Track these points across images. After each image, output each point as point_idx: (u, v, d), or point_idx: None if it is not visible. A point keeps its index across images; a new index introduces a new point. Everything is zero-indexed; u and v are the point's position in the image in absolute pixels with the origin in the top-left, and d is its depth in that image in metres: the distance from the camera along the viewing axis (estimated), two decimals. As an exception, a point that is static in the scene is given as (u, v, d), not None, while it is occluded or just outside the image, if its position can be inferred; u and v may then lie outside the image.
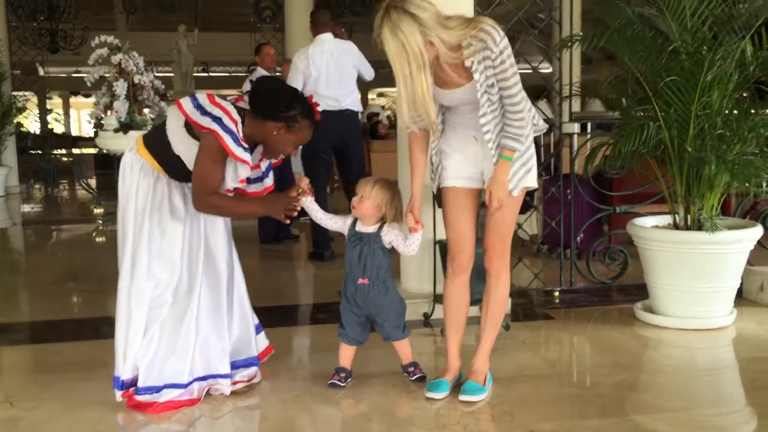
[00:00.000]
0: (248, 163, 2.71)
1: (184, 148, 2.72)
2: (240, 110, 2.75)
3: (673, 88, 3.45)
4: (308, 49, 5.49)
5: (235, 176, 2.76)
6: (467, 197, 2.81)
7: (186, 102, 2.72)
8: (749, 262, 3.84)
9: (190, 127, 2.70)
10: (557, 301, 4.30)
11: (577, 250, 4.58)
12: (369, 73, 5.62)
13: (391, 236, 2.84)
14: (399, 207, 2.86)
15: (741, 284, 3.81)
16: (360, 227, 2.88)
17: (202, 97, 2.74)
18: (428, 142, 2.84)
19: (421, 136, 2.83)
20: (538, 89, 4.89)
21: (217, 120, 2.64)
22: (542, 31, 4.18)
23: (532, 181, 2.78)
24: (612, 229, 5.08)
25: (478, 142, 2.73)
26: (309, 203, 2.89)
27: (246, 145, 2.70)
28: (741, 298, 4.03)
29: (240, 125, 2.69)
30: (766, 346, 3.48)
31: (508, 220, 2.80)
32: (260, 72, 6.29)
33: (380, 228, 2.85)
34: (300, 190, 2.81)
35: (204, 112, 2.67)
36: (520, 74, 2.62)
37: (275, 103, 2.71)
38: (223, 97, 2.82)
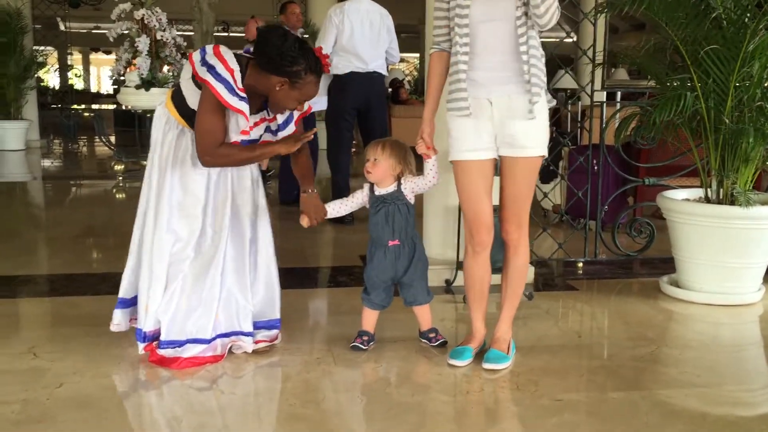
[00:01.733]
0: (244, 113, 2.61)
1: (194, 99, 2.66)
2: (242, 59, 2.65)
3: (713, 57, 3.35)
4: (345, 4, 5.38)
5: (236, 128, 2.67)
6: (481, 169, 2.71)
7: (195, 54, 2.67)
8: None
9: (195, 79, 2.64)
10: (580, 272, 4.25)
11: (602, 222, 4.51)
12: (396, 55, 5.52)
13: (410, 186, 2.82)
14: (412, 161, 2.84)
15: None
16: (379, 191, 2.85)
17: (209, 47, 2.67)
18: (448, 66, 2.73)
19: (443, 59, 2.75)
20: (564, 60, 4.78)
21: (212, 69, 2.56)
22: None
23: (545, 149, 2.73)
24: (637, 202, 5.00)
25: (493, 106, 2.63)
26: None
27: (243, 95, 2.59)
28: (768, 275, 3.97)
29: (237, 74, 2.59)
30: (796, 325, 3.43)
31: (525, 190, 2.72)
32: (284, 31, 6.21)
33: (398, 185, 2.82)
34: (311, 192, 2.83)
35: (203, 62, 2.60)
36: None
37: (279, 56, 2.56)
38: (246, 50, 2.75)
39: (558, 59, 4.07)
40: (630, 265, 4.37)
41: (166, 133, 2.78)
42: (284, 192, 6.12)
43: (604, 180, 4.48)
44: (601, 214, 4.36)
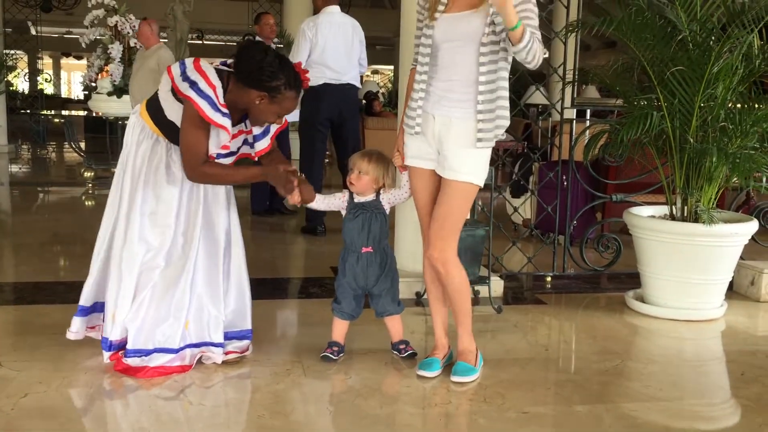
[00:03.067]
0: (226, 129, 2.64)
1: (174, 113, 2.68)
2: (223, 74, 2.68)
3: (679, 78, 3.44)
4: (318, 17, 5.43)
5: (217, 141, 2.69)
6: (427, 178, 2.75)
7: (175, 67, 2.68)
8: (741, 257, 3.86)
9: (175, 92, 2.65)
10: (549, 286, 4.31)
11: (570, 237, 4.58)
12: (364, 64, 5.61)
13: (387, 197, 2.87)
14: (393, 174, 2.88)
15: (732, 278, 3.83)
16: (358, 198, 2.89)
17: (189, 61, 2.68)
18: None
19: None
20: (535, 77, 4.86)
21: (194, 85, 2.58)
22: (543, 18, 4.11)
23: (485, 169, 2.70)
24: (605, 217, 5.08)
25: (435, 122, 2.66)
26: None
27: (225, 111, 2.62)
28: (732, 291, 4.06)
29: (219, 90, 2.62)
30: (754, 340, 3.52)
31: (452, 213, 2.69)
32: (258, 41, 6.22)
33: (377, 195, 2.87)
34: (301, 176, 2.78)
35: (185, 77, 2.62)
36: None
37: (258, 71, 2.60)
38: (224, 62, 2.77)
39: (529, 75, 4.13)
40: (598, 279, 4.45)
41: (140, 142, 2.78)
42: (256, 202, 6.12)
43: (573, 195, 4.55)
44: (570, 229, 4.43)
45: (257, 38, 6.24)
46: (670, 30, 3.51)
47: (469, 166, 2.65)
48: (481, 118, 2.60)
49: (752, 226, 3.66)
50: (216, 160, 2.72)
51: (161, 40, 6.86)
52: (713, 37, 3.48)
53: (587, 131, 4.23)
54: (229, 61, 2.78)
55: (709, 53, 3.37)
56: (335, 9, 5.44)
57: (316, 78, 5.32)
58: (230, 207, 2.91)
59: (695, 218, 3.65)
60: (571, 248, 4.39)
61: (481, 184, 2.72)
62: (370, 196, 2.88)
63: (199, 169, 2.64)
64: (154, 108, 2.75)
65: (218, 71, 2.67)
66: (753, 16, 3.45)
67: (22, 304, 3.70)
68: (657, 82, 3.54)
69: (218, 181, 2.75)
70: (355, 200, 2.89)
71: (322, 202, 2.93)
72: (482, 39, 2.56)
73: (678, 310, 3.64)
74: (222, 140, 2.69)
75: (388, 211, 2.90)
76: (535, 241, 5.10)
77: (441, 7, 2.64)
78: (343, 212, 2.91)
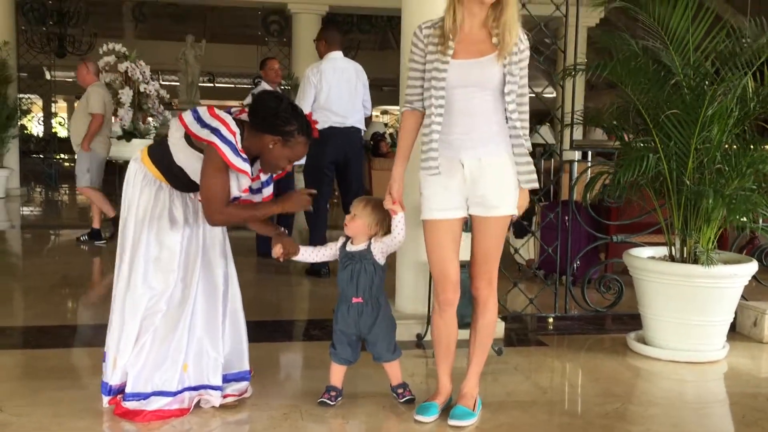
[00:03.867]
0: (248, 174, 2.73)
1: (185, 159, 2.75)
2: (240, 122, 2.78)
3: (674, 120, 3.48)
4: (321, 63, 5.55)
5: (237, 186, 2.78)
6: (449, 229, 2.78)
7: (187, 114, 2.76)
8: (744, 297, 3.86)
9: (190, 139, 2.73)
10: (551, 327, 4.30)
11: (573, 277, 4.59)
12: (369, 106, 5.69)
13: (379, 246, 2.88)
14: (388, 226, 2.90)
15: (735, 319, 3.82)
16: (350, 247, 2.92)
17: (202, 109, 2.77)
18: (420, 125, 2.81)
19: (416, 117, 2.83)
20: (541, 114, 4.92)
21: (216, 131, 2.67)
22: (547, 57, 4.21)
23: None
24: (609, 258, 5.09)
25: (465, 167, 2.72)
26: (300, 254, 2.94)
27: (245, 156, 2.71)
28: (734, 332, 4.05)
29: (239, 136, 2.71)
30: (757, 382, 3.49)
31: (496, 248, 2.79)
32: (264, 86, 6.33)
33: (369, 245, 2.89)
34: (282, 231, 2.85)
35: (203, 124, 2.70)
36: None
37: (273, 117, 2.72)
38: (227, 110, 2.85)
39: (535, 115, 4.20)
40: (600, 320, 4.44)
41: (143, 188, 2.84)
42: (263, 244, 6.16)
43: (576, 236, 4.58)
44: (571, 269, 4.43)
45: (263, 83, 6.37)
46: (663, 74, 3.56)
47: (507, 198, 2.74)
48: (518, 161, 2.72)
49: (751, 267, 3.66)
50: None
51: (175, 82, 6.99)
52: (707, 81, 3.53)
53: (588, 172, 4.26)
54: (233, 109, 2.87)
55: (703, 96, 3.42)
56: (338, 54, 5.56)
57: (321, 122, 5.40)
58: (227, 250, 2.96)
59: (695, 259, 3.66)
60: (573, 289, 4.39)
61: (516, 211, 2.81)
62: (362, 245, 2.90)
63: (224, 211, 2.72)
64: (159, 154, 2.81)
65: (237, 122, 2.77)
66: (745, 59, 3.50)
67: (27, 348, 3.74)
68: (652, 124, 3.59)
69: (238, 219, 2.83)
70: (347, 249, 2.92)
71: (310, 254, 2.96)
72: (494, 81, 2.66)
73: (679, 351, 3.62)
74: (242, 184, 2.78)
75: (382, 261, 2.90)
76: (539, 282, 5.11)
77: (450, 52, 2.68)
78: (339, 258, 2.95)
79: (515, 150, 2.72)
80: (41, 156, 14.81)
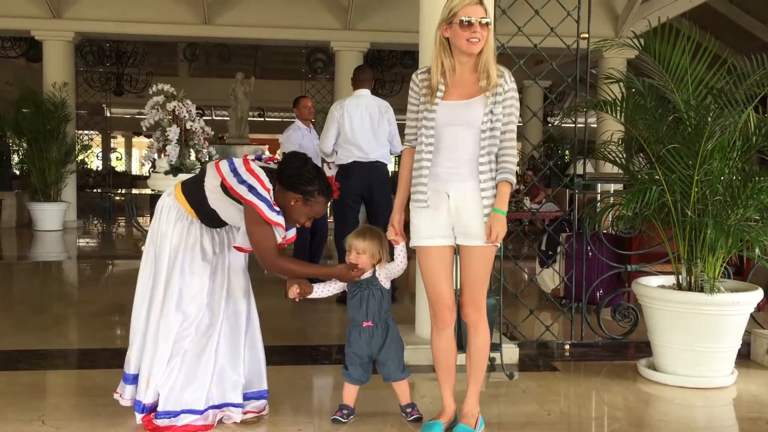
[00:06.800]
0: (283, 227, 3.03)
1: (220, 203, 3.05)
2: (271, 175, 3.04)
3: (675, 155, 3.63)
4: (345, 100, 5.85)
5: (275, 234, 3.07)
6: (439, 255, 2.99)
7: (224, 165, 3.05)
8: (759, 324, 3.92)
9: (226, 188, 3.01)
10: (567, 354, 4.43)
11: (595, 305, 4.72)
12: (397, 145, 5.81)
13: (383, 272, 3.11)
14: (387, 246, 3.13)
15: (749, 346, 3.88)
16: None
17: (238, 161, 3.06)
18: None
19: (413, 155, 3.05)
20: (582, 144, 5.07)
21: (253, 190, 2.95)
22: (593, 86, 4.40)
23: None
24: (629, 286, 5.18)
25: (450, 199, 2.92)
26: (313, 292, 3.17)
27: (278, 209, 3.00)
28: (749, 359, 4.11)
29: (272, 192, 2.99)
30: (760, 407, 3.55)
31: (482, 276, 2.98)
32: (297, 124, 6.67)
33: (374, 272, 3.11)
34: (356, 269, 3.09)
35: (240, 179, 2.98)
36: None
37: (297, 176, 3.02)
38: (258, 156, 3.14)
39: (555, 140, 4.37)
40: (616, 348, 4.53)
41: (176, 222, 3.12)
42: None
43: (597, 265, 4.71)
44: (587, 296, 4.55)
45: (296, 121, 6.70)
46: (660, 111, 3.72)
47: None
48: (485, 195, 2.89)
49: (756, 295, 3.74)
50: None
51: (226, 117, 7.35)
52: (709, 116, 3.66)
53: (599, 203, 4.41)
54: (264, 155, 3.17)
55: (702, 131, 3.56)
56: (365, 92, 5.82)
57: (345, 157, 5.71)
58: (247, 279, 3.22)
59: (701, 287, 3.77)
60: (589, 317, 4.52)
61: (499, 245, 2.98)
62: (368, 274, 3.12)
63: (277, 262, 3.03)
64: (195, 195, 3.10)
65: (266, 171, 3.04)
66: (745, 93, 3.63)
67: (69, 368, 4.08)
68: (655, 158, 3.74)
69: (292, 274, 3.11)
70: None
71: (321, 291, 3.19)
72: (481, 123, 2.88)
73: (687, 377, 3.72)
74: (278, 234, 3.07)
75: (387, 286, 3.13)
76: (557, 310, 5.22)
77: (440, 94, 2.94)
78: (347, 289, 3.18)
79: (482, 180, 2.88)
80: (98, 191, 15.48)
